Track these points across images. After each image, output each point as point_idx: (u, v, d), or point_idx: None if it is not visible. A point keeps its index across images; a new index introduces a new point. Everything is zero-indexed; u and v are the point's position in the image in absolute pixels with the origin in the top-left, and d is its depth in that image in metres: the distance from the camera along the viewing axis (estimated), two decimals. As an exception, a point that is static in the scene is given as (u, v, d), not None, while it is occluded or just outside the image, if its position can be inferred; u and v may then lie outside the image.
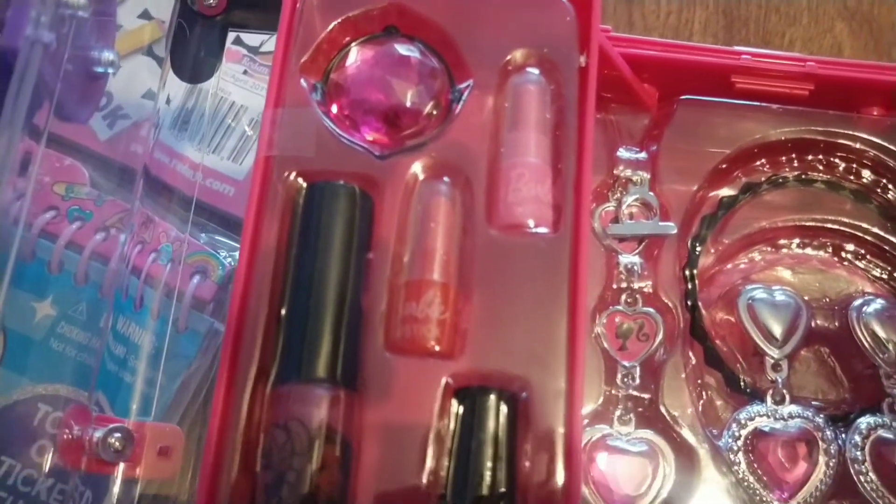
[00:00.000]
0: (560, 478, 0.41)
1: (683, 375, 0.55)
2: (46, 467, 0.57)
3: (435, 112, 0.47)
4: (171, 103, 0.67)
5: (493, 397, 0.42)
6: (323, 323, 0.42)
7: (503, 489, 0.41)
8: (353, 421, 0.42)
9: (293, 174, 0.45)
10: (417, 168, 0.46)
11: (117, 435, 0.47)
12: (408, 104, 0.46)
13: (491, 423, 0.42)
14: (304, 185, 0.45)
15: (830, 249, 0.60)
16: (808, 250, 0.60)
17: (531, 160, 0.45)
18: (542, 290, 0.44)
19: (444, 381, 0.43)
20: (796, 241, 0.60)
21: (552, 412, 0.42)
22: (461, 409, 0.42)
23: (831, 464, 0.53)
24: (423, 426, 0.42)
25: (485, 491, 0.41)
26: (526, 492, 0.41)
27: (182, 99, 0.68)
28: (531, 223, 0.45)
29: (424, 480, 0.41)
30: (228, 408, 0.41)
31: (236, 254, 0.64)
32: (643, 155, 0.59)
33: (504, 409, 0.42)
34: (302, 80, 0.47)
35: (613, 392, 0.54)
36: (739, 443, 0.53)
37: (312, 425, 0.40)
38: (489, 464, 0.41)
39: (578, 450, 0.40)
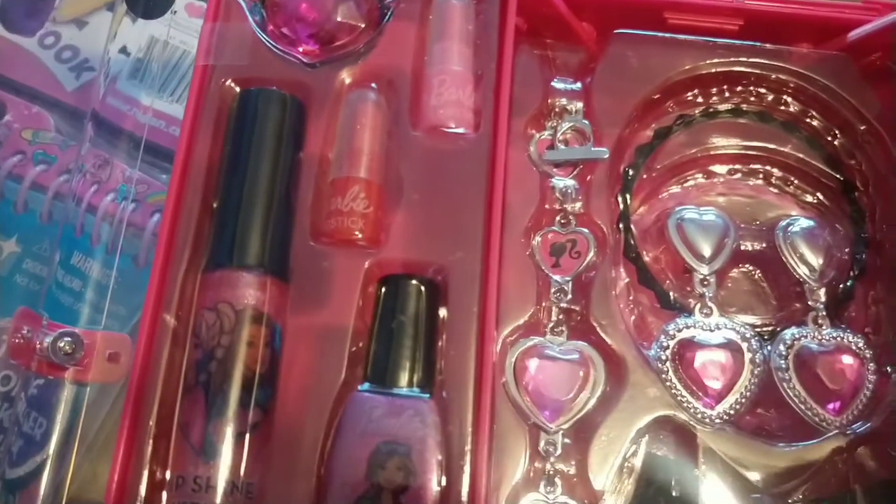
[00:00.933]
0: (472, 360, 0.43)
1: (615, 293, 0.57)
2: (11, 394, 0.59)
3: (363, 26, 0.49)
4: (131, 55, 0.70)
5: (413, 282, 0.44)
6: (252, 214, 0.44)
7: (422, 371, 0.43)
8: (281, 306, 0.44)
9: (229, 81, 0.47)
10: (346, 76, 0.48)
11: (67, 339, 0.49)
12: (339, 19, 0.49)
13: (411, 307, 0.44)
14: (239, 91, 0.48)
15: (761, 177, 0.62)
16: (739, 176, 0.62)
17: (454, 68, 0.48)
18: (463, 188, 0.46)
19: (366, 267, 0.45)
20: (728, 167, 0.61)
21: (468, 297, 0.44)
22: (383, 295, 0.45)
23: (756, 372, 0.55)
24: (347, 311, 0.44)
25: (405, 372, 0.43)
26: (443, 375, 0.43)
27: (142, 49, 0.70)
28: (453, 124, 0.47)
29: (346, 362, 0.43)
30: (162, 292, 0.43)
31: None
32: (578, 85, 0.61)
33: (423, 293, 0.44)
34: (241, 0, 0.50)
35: (546, 306, 0.56)
36: (668, 352, 0.55)
37: (239, 306, 0.43)
38: (409, 344, 0.43)
39: (491, 331, 0.42)
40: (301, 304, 0.44)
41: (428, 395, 0.44)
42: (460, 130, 0.46)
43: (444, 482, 0.43)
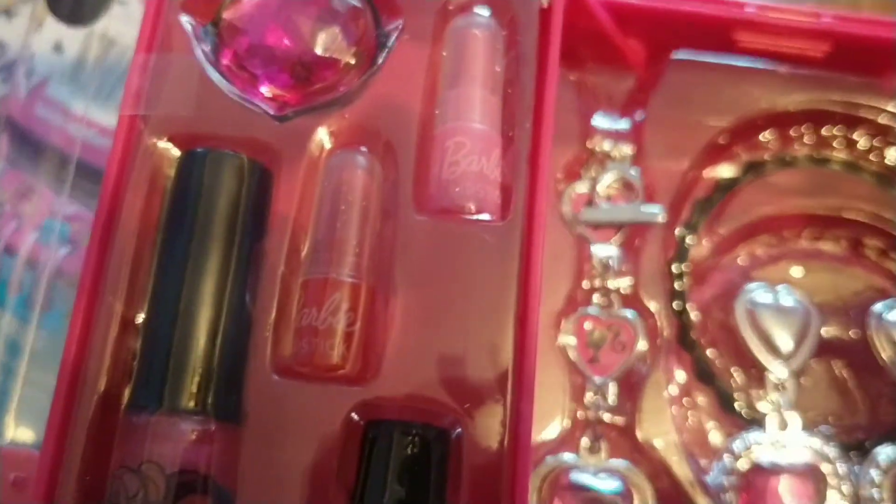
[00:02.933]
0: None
1: (666, 394, 0.46)
2: None
3: (353, 62, 0.36)
4: (64, 52, 0.57)
5: (415, 435, 0.32)
6: (193, 337, 0.32)
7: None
8: (231, 463, 0.32)
9: (164, 139, 0.35)
10: (326, 133, 0.36)
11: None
12: (320, 52, 0.36)
13: (413, 470, 0.32)
14: (179, 153, 0.35)
15: (846, 243, 0.51)
16: (820, 244, 0.52)
17: (474, 126, 0.35)
18: (483, 293, 0.34)
19: (349, 413, 0.33)
20: (806, 231, 0.51)
21: (492, 453, 0.32)
22: (373, 451, 0.32)
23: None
24: (322, 469, 0.32)
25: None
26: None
27: (77, 48, 0.58)
28: (472, 207, 0.35)
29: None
30: (62, 442, 0.31)
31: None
32: (625, 124, 0.50)
33: (431, 450, 0.32)
34: (185, 20, 0.36)
35: (581, 414, 0.45)
36: (733, 478, 0.45)
37: (172, 469, 0.30)
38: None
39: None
40: (258, 452, 0.32)
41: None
42: (483, 217, 0.34)
43: None
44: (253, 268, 0.34)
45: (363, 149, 0.36)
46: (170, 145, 0.35)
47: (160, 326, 0.33)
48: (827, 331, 0.49)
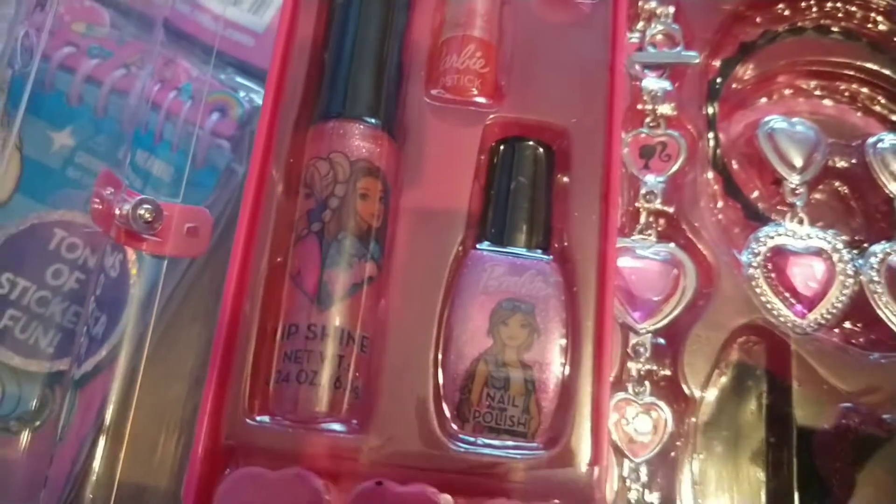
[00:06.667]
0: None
1: (702, 204, 0.55)
2: (64, 289, 0.57)
3: None
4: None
5: (532, 144, 0.42)
6: (367, 64, 0.42)
7: (541, 234, 0.41)
8: (393, 164, 0.42)
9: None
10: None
11: (147, 206, 0.47)
12: None
13: (530, 169, 0.42)
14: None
15: (847, 95, 0.61)
16: (826, 97, 0.61)
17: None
18: (579, 55, 0.44)
19: (482, 129, 0.43)
20: (814, 83, 0.60)
21: (590, 162, 0.42)
22: (501, 156, 0.42)
23: (848, 283, 0.53)
24: (463, 172, 0.42)
25: (524, 234, 0.41)
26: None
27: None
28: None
29: (464, 223, 0.41)
30: (270, 144, 0.41)
31: (254, 95, 0.64)
32: None
33: (542, 156, 0.42)
34: None
35: (635, 206, 0.54)
36: (759, 259, 0.53)
37: (353, 157, 0.40)
38: (528, 206, 0.41)
39: (616, 196, 0.41)
40: (414, 163, 0.42)
41: (549, 258, 0.42)
42: (583, -2, 0.44)
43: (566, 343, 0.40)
44: (405, 29, 0.45)
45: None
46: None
47: (342, 58, 0.43)
48: (831, 162, 0.59)
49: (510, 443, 0.40)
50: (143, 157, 0.65)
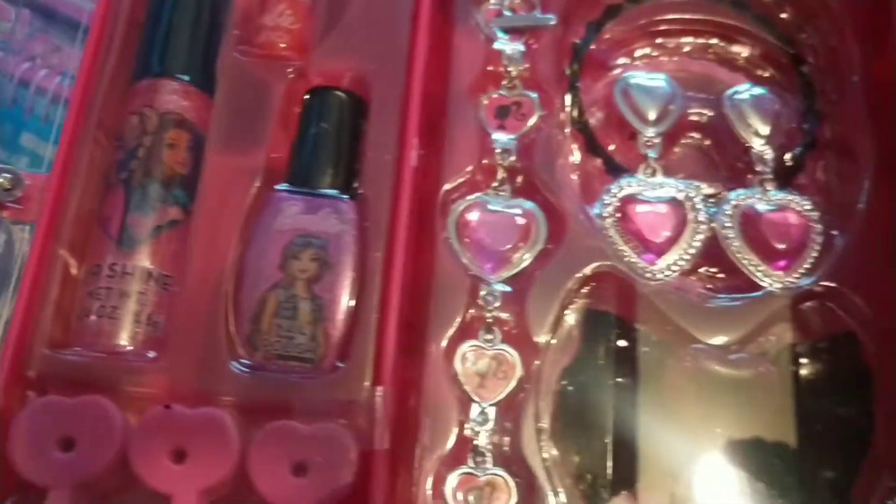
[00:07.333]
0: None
1: (560, 161, 0.56)
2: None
3: None
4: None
5: (336, 93, 0.45)
6: (179, 25, 0.45)
7: (342, 175, 0.43)
8: (204, 117, 0.45)
9: None
10: None
11: (6, 175, 0.49)
12: None
13: (334, 115, 0.44)
14: None
15: (712, 52, 0.62)
16: (692, 51, 0.62)
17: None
18: (388, 4, 0.46)
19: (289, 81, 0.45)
20: (681, 39, 0.62)
21: (390, 107, 0.44)
22: (307, 104, 0.45)
23: (700, 228, 0.54)
24: (271, 123, 0.44)
25: (323, 175, 0.43)
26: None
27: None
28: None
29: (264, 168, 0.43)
30: (88, 100, 0.44)
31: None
32: None
33: (346, 103, 0.44)
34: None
35: (490, 164, 0.56)
36: (610, 209, 0.54)
37: (161, 110, 0.43)
38: (329, 149, 0.44)
39: (411, 137, 0.42)
40: (226, 116, 0.45)
41: (346, 197, 0.44)
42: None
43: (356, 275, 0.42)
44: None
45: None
46: None
47: (156, 20, 0.46)
48: (693, 115, 0.60)
49: (297, 367, 0.42)
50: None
